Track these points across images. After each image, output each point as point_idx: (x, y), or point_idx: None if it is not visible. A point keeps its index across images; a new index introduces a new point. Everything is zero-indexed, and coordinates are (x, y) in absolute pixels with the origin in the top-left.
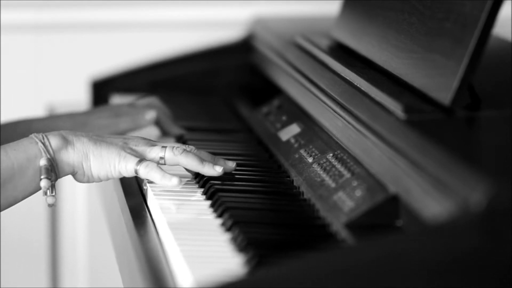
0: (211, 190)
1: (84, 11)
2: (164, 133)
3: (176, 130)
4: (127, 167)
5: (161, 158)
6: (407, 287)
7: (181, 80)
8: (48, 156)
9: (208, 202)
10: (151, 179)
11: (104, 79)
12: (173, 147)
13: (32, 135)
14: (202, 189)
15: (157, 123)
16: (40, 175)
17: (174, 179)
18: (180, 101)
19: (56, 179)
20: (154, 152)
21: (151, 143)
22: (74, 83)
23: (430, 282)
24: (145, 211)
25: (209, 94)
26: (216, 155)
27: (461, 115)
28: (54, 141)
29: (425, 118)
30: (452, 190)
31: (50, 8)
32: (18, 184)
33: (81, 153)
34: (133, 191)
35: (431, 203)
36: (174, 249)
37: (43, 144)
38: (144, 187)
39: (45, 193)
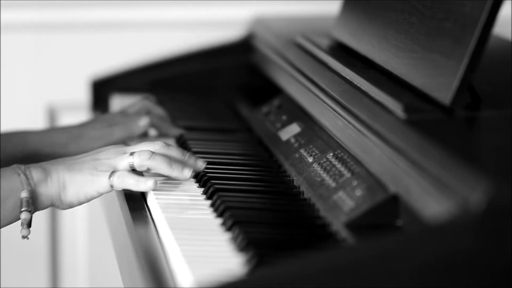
0: (211, 189)
1: (84, 11)
2: (162, 134)
3: (174, 131)
4: (101, 183)
5: (131, 165)
6: (407, 287)
7: (181, 80)
8: (29, 189)
9: (208, 202)
10: (127, 187)
11: (104, 79)
12: (140, 152)
13: (15, 166)
14: (202, 189)
15: (154, 127)
16: (21, 207)
17: (149, 181)
18: (180, 101)
19: (34, 212)
20: (124, 161)
21: (121, 151)
22: (74, 83)
23: (430, 282)
24: (145, 211)
25: (209, 94)
26: (216, 154)
27: (461, 115)
28: (35, 174)
29: (425, 118)
30: (452, 190)
31: (50, 8)
32: (0, 213)
33: (57, 183)
34: (133, 191)
35: (431, 203)
36: (174, 249)
37: (25, 175)
38: None
39: (22, 225)
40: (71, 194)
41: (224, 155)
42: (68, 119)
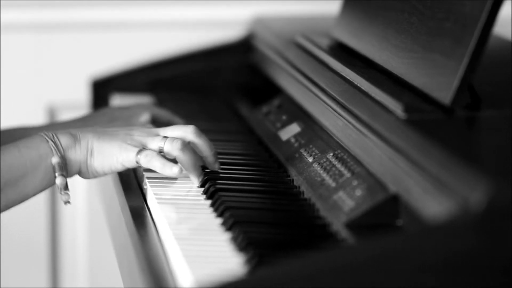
0: (211, 189)
1: (84, 11)
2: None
3: (179, 120)
4: (128, 157)
5: (161, 149)
6: (407, 287)
7: (181, 79)
8: (59, 154)
9: (208, 202)
10: (152, 168)
11: (104, 79)
12: (173, 139)
13: (42, 133)
14: (202, 189)
15: (154, 122)
16: (55, 173)
17: (175, 168)
18: (180, 100)
19: (67, 177)
20: (155, 143)
21: (154, 132)
22: (74, 83)
23: (430, 281)
24: (145, 211)
25: (209, 94)
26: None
27: (461, 115)
28: (63, 139)
29: (425, 118)
30: (452, 190)
31: (50, 8)
32: (29, 182)
33: (86, 150)
34: (133, 191)
35: (431, 203)
36: (174, 248)
37: (54, 142)
38: (144, 187)
39: (60, 191)
40: (97, 163)
41: (224, 155)
42: None
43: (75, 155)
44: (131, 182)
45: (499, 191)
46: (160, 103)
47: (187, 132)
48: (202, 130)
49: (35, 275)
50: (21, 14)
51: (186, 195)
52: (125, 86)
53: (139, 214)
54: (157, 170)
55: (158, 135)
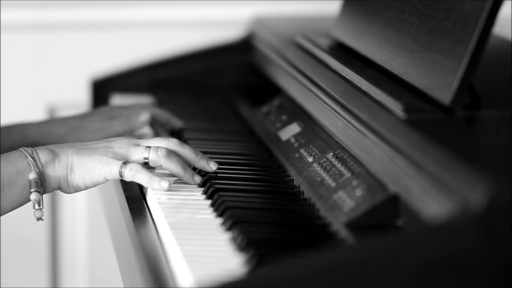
0: (211, 189)
1: (84, 11)
2: (157, 134)
3: (177, 122)
4: (111, 170)
5: (145, 159)
6: (407, 287)
7: (181, 79)
8: (37, 170)
9: (208, 202)
10: (138, 182)
11: (104, 79)
12: (157, 148)
13: (22, 149)
14: (202, 189)
15: (152, 124)
16: (30, 188)
17: (163, 182)
18: (180, 100)
19: (43, 193)
20: (138, 153)
21: (134, 143)
22: (74, 83)
23: (430, 281)
24: (145, 211)
25: (209, 94)
26: (216, 154)
27: (461, 115)
28: (42, 155)
29: (425, 118)
30: (452, 190)
31: (50, 8)
32: (6, 196)
33: (65, 166)
34: (133, 191)
35: (431, 203)
36: (174, 248)
37: (32, 158)
38: (145, 187)
39: (34, 206)
40: (78, 178)
41: (224, 155)
42: None
43: (54, 171)
44: (131, 182)
45: (499, 191)
46: (160, 103)
47: (169, 142)
48: (202, 130)
49: (35, 275)
50: (21, 14)
51: (186, 195)
52: (125, 86)
53: (139, 214)
54: (143, 184)
55: (138, 145)
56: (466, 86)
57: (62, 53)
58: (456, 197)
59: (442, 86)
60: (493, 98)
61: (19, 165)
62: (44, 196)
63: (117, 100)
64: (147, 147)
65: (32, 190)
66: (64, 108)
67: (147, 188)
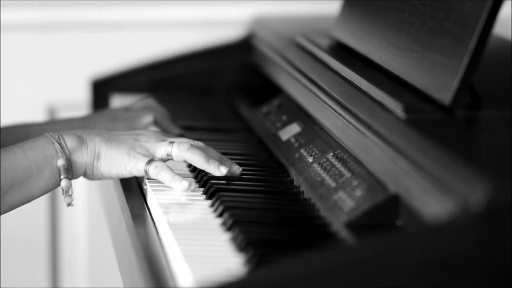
0: (211, 189)
1: (84, 11)
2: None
3: (175, 130)
4: (137, 166)
5: (168, 154)
6: (407, 287)
7: (181, 79)
8: (65, 157)
9: (208, 202)
10: (161, 180)
11: (104, 79)
12: (180, 142)
13: (48, 135)
14: (202, 189)
15: (156, 124)
16: (60, 175)
17: (184, 182)
18: (180, 100)
19: (72, 179)
20: (162, 148)
21: (161, 138)
22: (74, 83)
23: (430, 281)
24: (145, 211)
25: (209, 94)
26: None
27: (461, 115)
28: (69, 141)
29: (425, 118)
30: (452, 190)
31: (50, 8)
32: (35, 183)
33: (93, 153)
34: (133, 191)
35: (431, 203)
36: (174, 248)
37: (60, 144)
38: (144, 187)
39: (63, 193)
40: (104, 167)
41: (224, 155)
42: None
43: (81, 157)
44: (131, 182)
45: (499, 191)
46: (160, 103)
47: (194, 142)
48: (202, 130)
49: (35, 275)
50: (21, 14)
51: (186, 195)
52: (125, 86)
53: (139, 214)
54: (165, 183)
55: (164, 140)
56: (466, 86)
57: (62, 53)
58: (456, 197)
59: (442, 86)
60: (493, 98)
61: (47, 152)
62: (44, 196)
63: (117, 100)
64: (171, 142)
65: (62, 177)
66: (64, 108)
67: (147, 188)
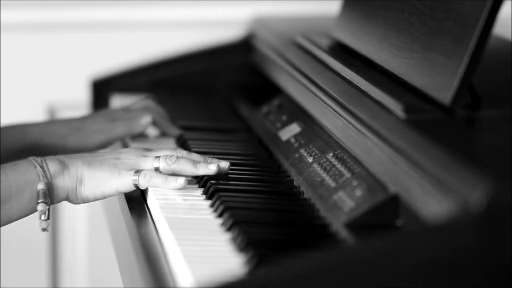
0: (211, 189)
1: (84, 11)
2: (163, 134)
3: (174, 131)
4: (123, 182)
5: (156, 169)
6: (407, 287)
7: (181, 79)
8: (46, 181)
9: (208, 202)
10: (154, 186)
11: (104, 79)
12: (166, 156)
13: (31, 158)
14: (202, 189)
15: (155, 124)
16: (38, 199)
17: (179, 179)
18: (180, 100)
19: (51, 204)
20: (148, 164)
21: (143, 153)
22: (74, 83)
23: (430, 281)
24: (145, 210)
25: (209, 94)
26: (216, 155)
27: (461, 115)
28: (52, 166)
29: (425, 118)
30: (452, 190)
31: (50, 8)
32: (14, 206)
33: (75, 178)
34: (133, 192)
35: (431, 203)
36: (174, 249)
37: (42, 168)
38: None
39: (40, 217)
40: (88, 190)
41: (224, 155)
42: None
43: (63, 182)
44: None
45: (499, 191)
46: (160, 103)
47: (178, 153)
48: (202, 130)
49: (35, 275)
50: (21, 14)
51: (186, 196)
52: (125, 86)
53: (139, 214)
54: (160, 186)
55: (146, 156)
56: (466, 86)
57: (62, 53)
58: (456, 197)
59: (442, 86)
60: (493, 98)
61: (28, 175)
62: None
63: (117, 100)
64: (157, 157)
65: (39, 201)
66: (64, 108)
67: (147, 188)
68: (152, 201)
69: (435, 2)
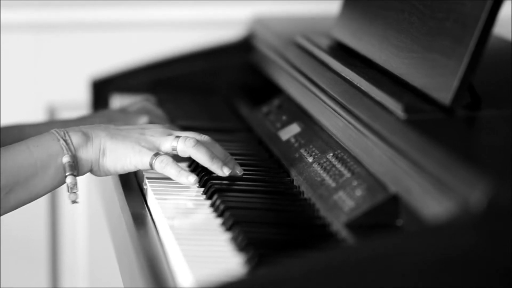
0: (211, 189)
1: (84, 11)
2: None
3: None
4: (142, 160)
5: (174, 148)
6: (407, 287)
7: (181, 79)
8: (70, 153)
9: (208, 202)
10: (167, 175)
11: (104, 79)
12: (186, 138)
13: (54, 131)
14: (202, 189)
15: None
16: (65, 172)
17: (191, 177)
18: (180, 100)
19: (77, 176)
20: (168, 143)
21: (167, 132)
22: (74, 83)
23: (430, 281)
24: (145, 211)
25: (209, 94)
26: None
27: (461, 115)
28: (75, 138)
29: (425, 118)
30: (452, 190)
31: (50, 8)
32: (40, 181)
33: (98, 149)
34: (133, 191)
35: (431, 203)
36: (174, 248)
37: (65, 141)
38: (145, 187)
39: (68, 190)
40: (109, 162)
41: None
42: None
43: (87, 154)
44: (131, 182)
45: (499, 191)
46: (160, 103)
47: (201, 138)
48: (202, 129)
49: (35, 275)
50: (21, 14)
51: (186, 195)
52: (125, 86)
53: (139, 214)
54: (171, 177)
55: (170, 134)
56: (466, 86)
57: (62, 53)
58: (456, 197)
59: (442, 86)
60: (493, 98)
61: (52, 149)
62: (45, 196)
63: (117, 100)
64: (177, 136)
65: (67, 174)
66: (64, 108)
67: (147, 188)
68: (152, 201)
69: (435, 2)
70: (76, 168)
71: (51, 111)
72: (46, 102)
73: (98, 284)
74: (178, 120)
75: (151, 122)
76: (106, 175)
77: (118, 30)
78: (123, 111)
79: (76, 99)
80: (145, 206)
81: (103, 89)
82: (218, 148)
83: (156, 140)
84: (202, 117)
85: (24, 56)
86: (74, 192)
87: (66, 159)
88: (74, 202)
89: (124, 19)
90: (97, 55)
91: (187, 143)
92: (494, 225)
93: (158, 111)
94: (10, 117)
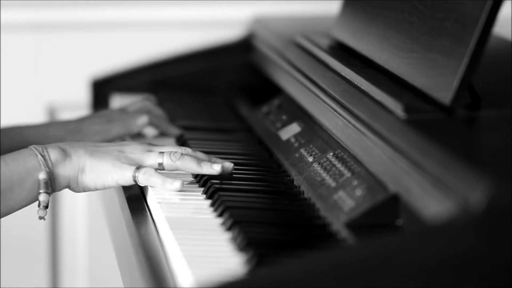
0: (211, 189)
1: (84, 11)
2: (163, 134)
3: (174, 130)
4: (124, 176)
5: (160, 164)
6: (407, 287)
7: (181, 79)
8: (47, 170)
9: (208, 202)
10: (152, 185)
11: (104, 79)
12: (171, 152)
13: (32, 147)
14: (202, 189)
15: (152, 125)
16: (39, 189)
17: (176, 183)
18: (180, 100)
19: (52, 193)
20: (152, 159)
21: (147, 148)
22: (74, 83)
23: (430, 281)
24: (145, 210)
25: (209, 94)
26: (216, 154)
27: (462, 115)
28: (53, 154)
29: (425, 118)
30: (452, 190)
31: (50, 8)
32: (15, 195)
33: (77, 166)
34: (133, 191)
35: (431, 203)
36: (174, 248)
37: (43, 157)
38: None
39: (39, 206)
40: (89, 179)
41: (224, 155)
42: None
43: (65, 170)
44: None
45: (499, 191)
46: (160, 103)
47: (182, 150)
48: (202, 129)
49: (35, 275)
50: (21, 14)
51: (186, 195)
52: (125, 86)
53: (139, 214)
54: (157, 187)
55: (151, 151)
56: (466, 86)
57: (62, 53)
58: (456, 197)
59: (442, 86)
60: (493, 98)
61: (29, 164)
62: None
63: (117, 100)
64: (161, 152)
65: (41, 191)
66: (64, 108)
67: (147, 188)
68: (152, 200)
69: (435, 2)
70: (51, 185)
71: (51, 111)
72: (46, 102)
73: (98, 284)
74: (178, 120)
75: (151, 121)
76: (85, 191)
77: (118, 30)
78: (123, 111)
79: (76, 99)
80: (145, 206)
81: (103, 89)
82: (200, 154)
83: (137, 157)
84: (202, 117)
85: (24, 56)
86: (44, 209)
87: (42, 175)
88: (41, 218)
89: (124, 19)
90: (97, 55)
91: (173, 157)
92: (494, 225)
93: (158, 111)
94: (10, 117)
